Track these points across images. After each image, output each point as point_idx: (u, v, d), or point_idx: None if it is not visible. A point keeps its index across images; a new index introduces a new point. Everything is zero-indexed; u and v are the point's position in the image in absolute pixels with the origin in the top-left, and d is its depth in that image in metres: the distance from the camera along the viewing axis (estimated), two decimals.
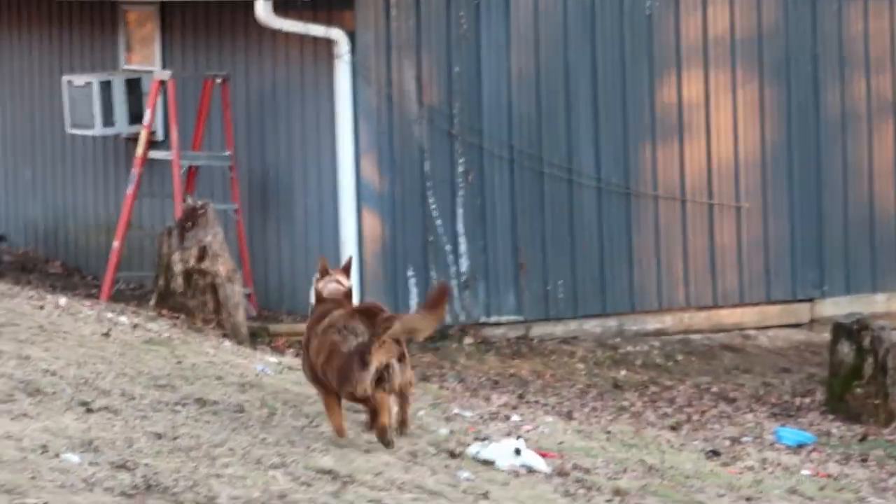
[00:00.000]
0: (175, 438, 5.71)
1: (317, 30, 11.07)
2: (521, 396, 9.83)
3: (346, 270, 6.78)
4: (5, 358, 6.74)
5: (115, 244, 11.77)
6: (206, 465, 5.24)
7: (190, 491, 4.79)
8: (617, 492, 5.96)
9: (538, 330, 11.10)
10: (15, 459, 4.89)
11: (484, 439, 6.42)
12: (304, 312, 11.19)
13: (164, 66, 12.75)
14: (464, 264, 11.01)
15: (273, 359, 9.03)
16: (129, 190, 11.88)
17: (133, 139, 12.53)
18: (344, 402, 6.26)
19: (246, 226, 11.89)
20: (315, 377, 6.30)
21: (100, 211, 13.07)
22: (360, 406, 6.20)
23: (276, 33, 11.21)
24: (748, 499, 6.45)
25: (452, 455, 6.04)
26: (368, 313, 6.10)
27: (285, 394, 7.21)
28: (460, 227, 11.03)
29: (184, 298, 10.68)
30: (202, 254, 10.80)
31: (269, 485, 5.09)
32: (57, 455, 5.05)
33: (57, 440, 5.28)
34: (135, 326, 8.48)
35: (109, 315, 9.19)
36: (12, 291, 9.89)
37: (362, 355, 5.80)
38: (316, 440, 6.02)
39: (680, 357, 11.52)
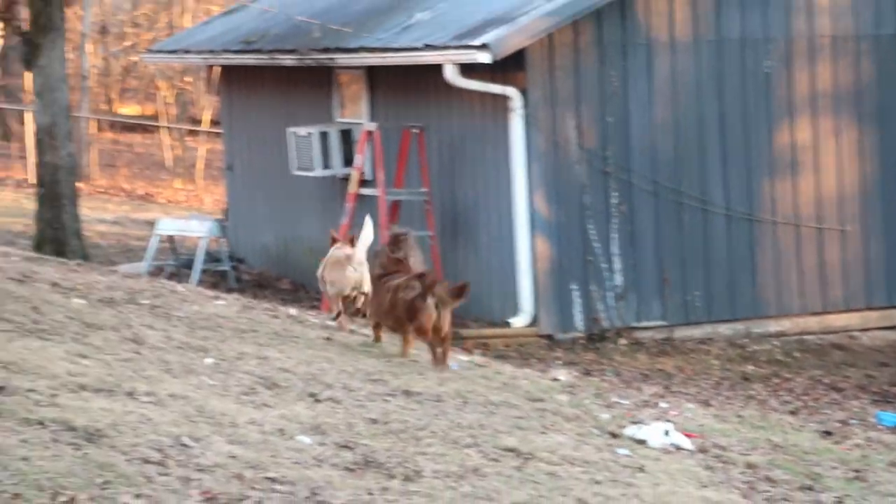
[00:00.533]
0: (387, 423, 5.90)
1: (495, 88, 11.49)
2: (667, 387, 10.02)
3: (352, 241, 7.92)
4: (248, 358, 7.02)
5: None
6: (413, 445, 5.48)
7: (400, 466, 5.06)
8: (749, 465, 6.21)
9: (679, 333, 11.40)
10: (258, 441, 5.16)
11: (638, 422, 6.64)
12: (488, 319, 11.76)
13: (370, 119, 12.88)
14: (618, 279, 11.39)
15: (464, 357, 9.25)
16: (344, 221, 12.14)
17: (345, 179, 12.75)
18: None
19: (439, 249, 12.10)
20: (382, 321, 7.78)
21: (320, 237, 12.06)
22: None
23: (461, 91, 11.62)
24: (857, 471, 6.61)
25: (613, 435, 6.27)
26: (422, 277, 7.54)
27: (474, 385, 7.45)
28: (614, 249, 11.41)
29: (394, 309, 11.04)
30: (409, 272, 11.48)
31: (465, 461, 5.32)
32: (291, 437, 5.34)
33: (291, 425, 5.52)
34: (351, 332, 8.62)
35: (330, 323, 9.16)
36: (251, 304, 10.26)
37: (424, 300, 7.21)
38: (501, 424, 6.23)
39: (797, 354, 11.70)
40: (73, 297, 8.75)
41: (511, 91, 11.33)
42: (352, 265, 8.06)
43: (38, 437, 4.87)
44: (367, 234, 8.14)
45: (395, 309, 7.65)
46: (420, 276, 7.76)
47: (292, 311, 10.31)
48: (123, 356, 6.75)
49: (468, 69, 11.25)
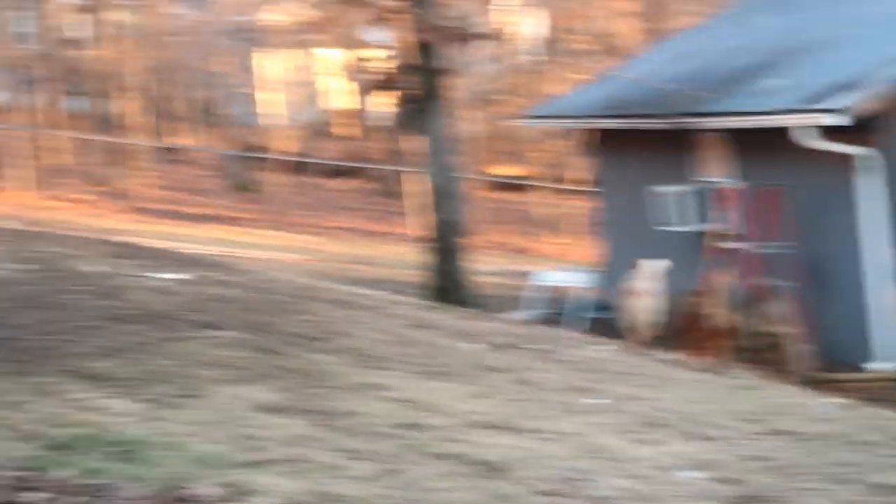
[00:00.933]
0: (766, 459, 6.15)
1: (850, 149, 12.40)
2: None
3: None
4: (629, 398, 7.56)
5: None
6: (791, 481, 5.75)
7: (781, 500, 5.33)
8: None
9: None
10: (645, 475, 5.51)
11: None
12: (852, 363, 12.49)
13: (727, 178, 13.76)
14: None
15: (834, 399, 9.63)
16: (707, 271, 13.17)
17: (703, 233, 13.90)
18: None
19: (803, 299, 12.81)
20: None
21: (681, 286, 13.83)
22: None
23: (812, 151, 12.43)
24: None
25: None
26: None
27: (842, 424, 7.73)
28: None
29: (758, 354, 12.29)
30: (772, 320, 12.64)
31: (843, 496, 5.51)
32: (677, 471, 5.68)
33: (676, 460, 5.85)
34: (720, 374, 9.29)
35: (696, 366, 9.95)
36: (628, 349, 11.18)
37: None
38: (875, 462, 6.35)
39: None
40: (465, 342, 9.73)
41: (864, 150, 12.25)
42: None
43: (450, 469, 5.53)
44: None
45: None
46: None
47: (665, 355, 11.15)
48: (515, 396, 7.42)
49: (823, 131, 12.22)
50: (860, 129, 12.02)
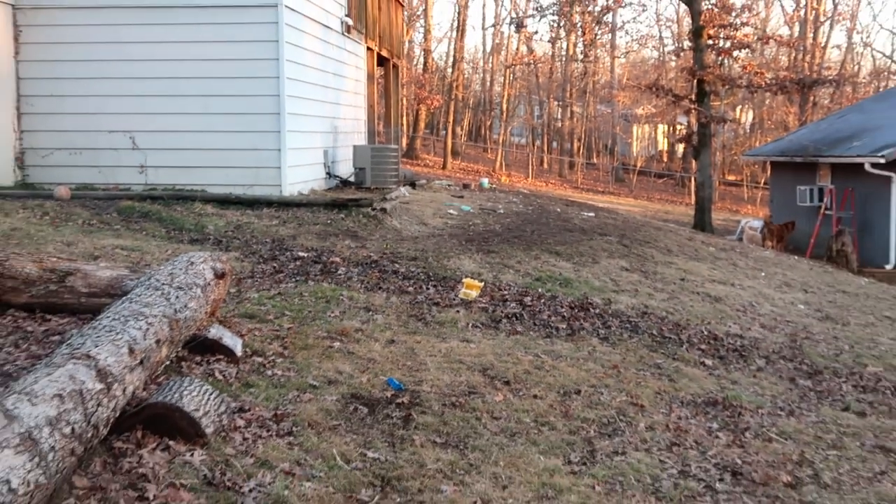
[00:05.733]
0: (834, 301, 8.63)
1: (887, 173, 19.03)
2: None
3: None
4: (774, 273, 9.99)
5: None
6: (846, 311, 8.00)
7: (841, 318, 7.36)
8: None
9: None
10: (784, 306, 7.68)
11: None
12: (878, 265, 19.77)
13: (831, 185, 22.84)
14: None
15: (867, 280, 12.91)
16: (818, 223, 22.57)
17: (818, 207, 23.33)
18: None
19: (857, 235, 21.28)
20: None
21: (806, 231, 23.66)
22: None
23: (873, 174, 19.18)
24: None
25: None
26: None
27: (869, 290, 10.88)
28: None
29: (835, 257, 20.45)
30: (842, 243, 20.90)
31: (869, 319, 7.43)
32: (796, 305, 7.63)
33: (796, 300, 7.92)
34: (817, 266, 12.32)
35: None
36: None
37: None
38: (884, 306, 8.46)
39: None
40: (709, 247, 14.21)
41: (893, 174, 20.01)
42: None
43: (699, 299, 9.52)
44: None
45: None
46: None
47: (792, 256, 16.62)
48: (728, 270, 11.14)
49: (876, 165, 20.77)
50: (893, 165, 20.30)
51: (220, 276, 6.31)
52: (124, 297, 5.58)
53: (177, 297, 5.64)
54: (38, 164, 14.28)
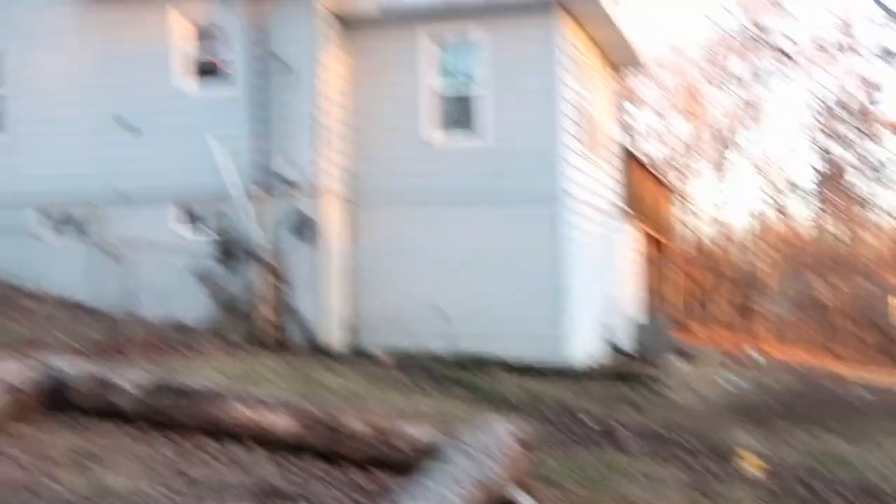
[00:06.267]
0: None
1: None
2: None
3: None
4: None
5: None
6: None
7: None
8: None
9: None
10: None
11: None
12: None
13: None
14: None
15: None
16: None
17: None
18: None
19: None
20: None
21: None
22: None
23: None
24: None
25: None
26: None
27: None
28: None
29: None
30: None
31: None
32: None
33: None
34: None
35: None
36: None
37: None
38: None
39: None
40: None
41: None
42: None
43: None
44: None
45: None
46: None
47: None
48: None
49: None
50: None
51: (522, 444, 7.16)
52: (440, 461, 6.49)
53: (487, 465, 6.49)
54: (363, 331, 16.53)
